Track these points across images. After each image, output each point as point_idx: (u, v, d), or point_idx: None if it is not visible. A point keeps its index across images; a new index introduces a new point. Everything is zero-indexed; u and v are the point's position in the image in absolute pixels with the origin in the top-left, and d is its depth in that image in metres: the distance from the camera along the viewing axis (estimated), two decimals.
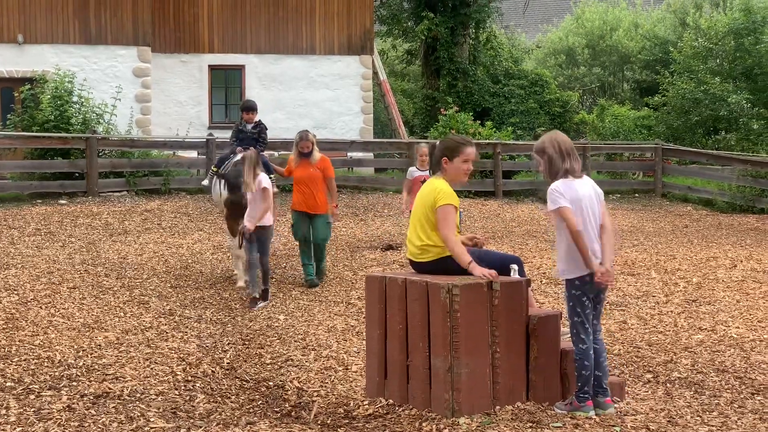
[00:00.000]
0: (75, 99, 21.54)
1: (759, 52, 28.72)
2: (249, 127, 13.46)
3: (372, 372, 7.02)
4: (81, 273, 12.47)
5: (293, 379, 7.87)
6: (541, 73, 33.39)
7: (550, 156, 6.61)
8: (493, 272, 6.65)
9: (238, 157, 12.57)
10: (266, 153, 13.88)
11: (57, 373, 7.82)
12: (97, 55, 24.53)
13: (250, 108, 13.53)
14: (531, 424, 6.27)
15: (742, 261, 14.22)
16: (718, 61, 30.05)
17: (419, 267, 7.05)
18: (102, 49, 24.58)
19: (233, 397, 7.33)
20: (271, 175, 12.62)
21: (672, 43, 34.84)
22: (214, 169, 13.27)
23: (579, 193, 6.53)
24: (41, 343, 8.78)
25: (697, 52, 30.28)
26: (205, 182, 13.95)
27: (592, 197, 6.60)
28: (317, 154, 12.52)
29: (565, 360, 6.80)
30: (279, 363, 8.39)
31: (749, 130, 28.16)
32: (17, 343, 8.71)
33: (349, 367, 8.21)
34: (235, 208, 12.26)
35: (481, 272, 6.64)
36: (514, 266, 7.10)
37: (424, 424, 6.29)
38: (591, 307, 6.60)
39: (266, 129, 13.63)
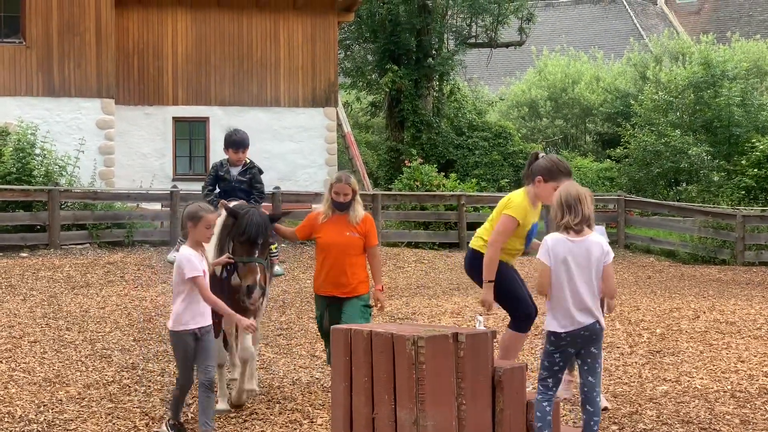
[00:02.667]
0: (38, 151, 21.42)
1: (718, 105, 29.09)
2: (235, 172, 9.27)
3: (337, 425, 6.96)
4: (42, 327, 12.34)
5: None
6: (505, 125, 33.63)
7: (554, 208, 6.76)
8: (490, 304, 7.50)
9: (225, 213, 8.42)
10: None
11: (17, 429, 7.71)
12: (60, 107, 24.45)
13: (238, 143, 9.33)
14: None
15: (704, 312, 14.31)
16: (678, 113, 30.41)
17: (477, 258, 7.92)
18: (65, 101, 24.50)
19: None
20: (273, 245, 8.92)
21: (633, 96, 35.20)
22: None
23: (568, 252, 6.61)
24: (1, 398, 8.66)
25: (657, 105, 30.64)
26: (172, 256, 8.84)
27: (587, 257, 6.62)
28: (360, 210, 8.62)
29: (532, 412, 6.78)
30: (243, 417, 8.31)
31: (710, 181, 28.46)
32: None
33: (314, 421, 8.15)
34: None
35: (483, 299, 7.67)
36: (479, 317, 7.15)
37: None
38: (560, 364, 6.68)
39: (261, 173, 9.53)
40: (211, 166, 9.57)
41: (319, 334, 9.18)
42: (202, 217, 7.48)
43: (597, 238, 6.71)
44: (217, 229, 8.16)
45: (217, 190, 9.30)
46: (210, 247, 8.16)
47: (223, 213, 8.43)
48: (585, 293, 6.59)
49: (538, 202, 7.97)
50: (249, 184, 9.23)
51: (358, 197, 8.58)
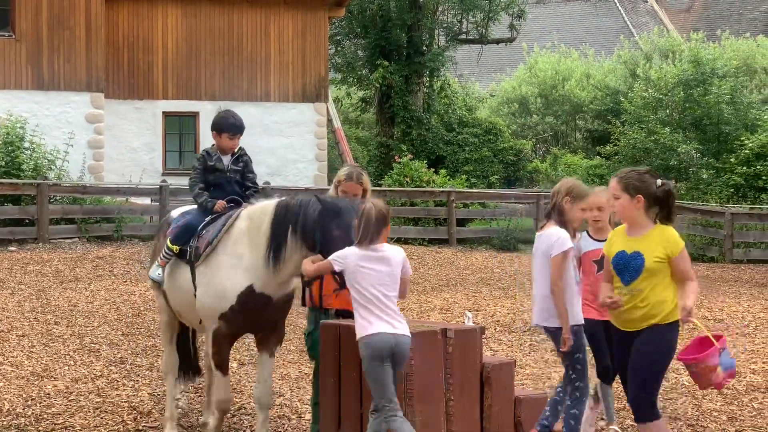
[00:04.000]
0: (26, 145, 21.36)
1: (708, 102, 29.16)
2: (227, 161, 7.70)
3: (326, 420, 6.96)
4: (30, 321, 12.30)
5: (246, 427, 7.80)
6: (495, 121, 33.64)
7: None
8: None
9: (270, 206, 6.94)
10: None
11: (5, 423, 7.69)
12: (49, 100, 24.37)
13: (236, 128, 7.76)
14: None
15: (693, 309, 14.32)
16: (668, 111, 30.46)
17: None
18: (55, 95, 24.43)
19: None
20: None
21: (623, 93, 35.26)
22: (174, 248, 7.33)
23: (535, 248, 6.84)
24: None
25: (647, 103, 30.69)
26: (156, 273, 7.52)
27: (538, 249, 6.73)
28: None
29: (519, 408, 6.80)
30: (232, 411, 8.30)
31: (699, 179, 28.52)
32: None
33: (302, 416, 8.15)
34: (255, 316, 6.92)
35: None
36: (468, 314, 7.16)
37: None
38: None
39: (251, 161, 7.92)
40: (197, 157, 7.86)
41: (307, 353, 7.48)
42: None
43: (553, 231, 6.69)
44: (264, 227, 6.80)
45: None
46: (243, 248, 6.87)
47: (258, 206, 7.06)
48: (537, 288, 6.70)
49: (633, 226, 6.65)
50: (241, 173, 7.72)
51: (369, 196, 7.01)
